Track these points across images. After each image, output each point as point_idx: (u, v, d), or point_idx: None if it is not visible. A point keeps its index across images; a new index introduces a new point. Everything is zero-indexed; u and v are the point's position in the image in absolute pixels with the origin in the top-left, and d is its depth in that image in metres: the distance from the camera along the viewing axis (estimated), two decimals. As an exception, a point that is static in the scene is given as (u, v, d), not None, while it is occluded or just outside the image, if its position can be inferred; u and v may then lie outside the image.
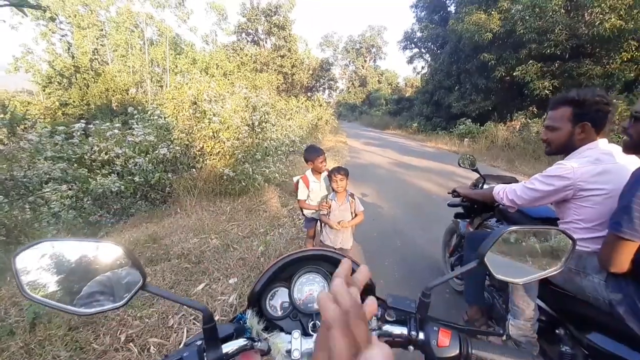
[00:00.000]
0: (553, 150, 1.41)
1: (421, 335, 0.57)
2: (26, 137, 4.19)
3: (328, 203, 2.26)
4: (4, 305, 2.16)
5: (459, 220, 2.37)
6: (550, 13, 9.96)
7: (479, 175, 2.18)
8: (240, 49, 23.21)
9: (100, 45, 18.42)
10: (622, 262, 1.05)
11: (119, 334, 1.90)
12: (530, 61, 10.69)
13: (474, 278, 1.75)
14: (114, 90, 16.56)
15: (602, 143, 1.28)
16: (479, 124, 12.94)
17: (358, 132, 21.57)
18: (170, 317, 2.06)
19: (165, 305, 2.16)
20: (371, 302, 0.32)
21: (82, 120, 5.44)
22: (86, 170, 4.61)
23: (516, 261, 0.65)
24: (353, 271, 0.37)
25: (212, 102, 5.37)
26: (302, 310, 0.64)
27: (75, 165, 4.58)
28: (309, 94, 25.61)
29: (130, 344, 1.84)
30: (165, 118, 5.68)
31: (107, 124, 5.56)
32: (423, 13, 21.46)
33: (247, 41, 24.70)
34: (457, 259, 2.36)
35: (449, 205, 2.30)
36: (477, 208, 2.09)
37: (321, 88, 31.65)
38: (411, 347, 0.58)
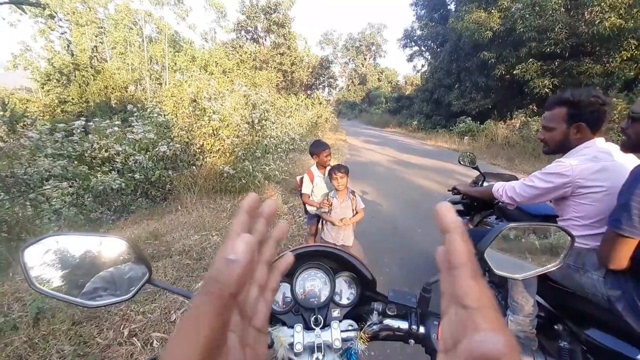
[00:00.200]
0: (550, 150, 1.42)
1: (422, 329, 0.58)
2: (26, 135, 4.19)
3: (329, 201, 2.28)
4: (7, 300, 2.17)
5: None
6: (550, 11, 9.96)
7: (478, 173, 2.19)
8: (240, 46, 23.14)
9: (99, 42, 18.36)
10: (621, 259, 1.06)
11: (122, 329, 1.92)
12: (530, 59, 10.70)
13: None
14: (113, 88, 16.50)
15: (599, 142, 1.29)
16: (479, 122, 12.95)
17: (358, 130, 21.54)
18: (172, 312, 2.08)
19: (168, 300, 2.17)
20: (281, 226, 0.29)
21: (81, 118, 5.43)
22: (87, 167, 4.62)
23: (515, 257, 0.65)
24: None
25: (212, 99, 5.36)
26: (304, 305, 0.65)
27: (76, 162, 4.59)
28: (308, 91, 25.55)
29: (134, 338, 1.86)
30: (164, 115, 5.68)
31: (107, 121, 5.56)
32: (423, 11, 21.45)
33: (247, 39, 24.64)
34: (457, 257, 2.37)
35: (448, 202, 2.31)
36: (477, 205, 2.11)
37: (321, 86, 31.63)
38: (412, 341, 0.59)
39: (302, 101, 14.79)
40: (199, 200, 4.52)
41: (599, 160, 1.23)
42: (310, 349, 0.57)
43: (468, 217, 2.27)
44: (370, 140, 15.05)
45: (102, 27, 18.48)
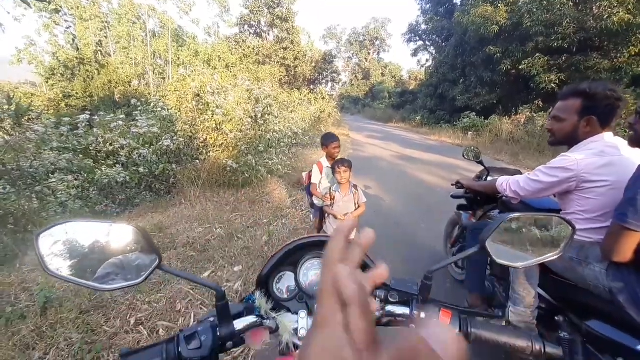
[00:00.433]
0: (556, 141, 1.41)
1: (422, 315, 0.60)
2: (32, 128, 4.23)
3: (332, 195, 2.29)
4: (15, 291, 2.22)
5: (461, 212, 2.39)
6: (558, 6, 9.80)
7: (482, 168, 2.19)
8: (243, 41, 23.00)
9: (103, 37, 18.35)
10: (626, 252, 1.07)
11: (129, 318, 1.96)
12: (537, 54, 10.55)
13: (476, 266, 1.78)
14: (116, 82, 16.54)
15: (607, 136, 1.29)
16: (483, 117, 12.84)
17: (361, 125, 21.45)
18: (178, 302, 2.12)
19: (173, 290, 2.21)
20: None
21: (86, 112, 5.46)
22: (91, 160, 4.67)
23: (516, 248, 0.66)
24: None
25: (215, 94, 5.37)
26: (308, 292, 0.67)
27: (81, 156, 4.64)
28: (311, 86, 25.42)
29: (140, 326, 1.90)
30: (168, 110, 5.70)
31: (111, 115, 5.59)
32: (428, 5, 21.14)
33: (250, 33, 24.47)
34: (458, 250, 2.39)
35: (452, 196, 2.31)
36: (481, 200, 2.10)
37: (324, 81, 31.38)
38: (413, 326, 0.60)
39: (305, 96, 14.75)
40: (202, 193, 4.56)
41: (605, 155, 1.23)
42: None
43: (470, 212, 2.27)
44: (373, 135, 14.99)
45: (106, 22, 18.45)
